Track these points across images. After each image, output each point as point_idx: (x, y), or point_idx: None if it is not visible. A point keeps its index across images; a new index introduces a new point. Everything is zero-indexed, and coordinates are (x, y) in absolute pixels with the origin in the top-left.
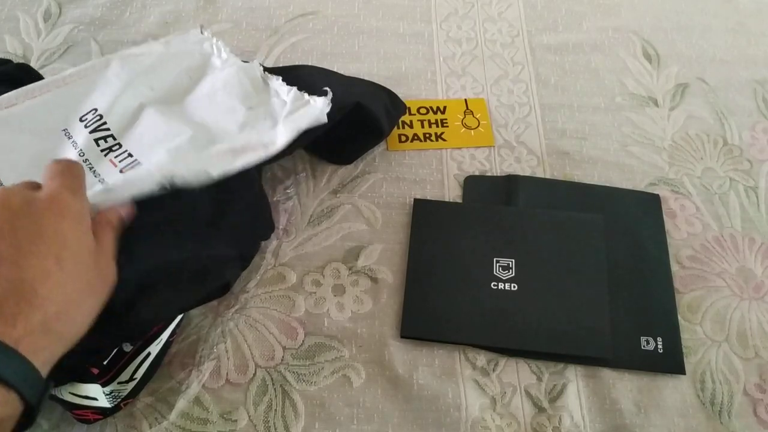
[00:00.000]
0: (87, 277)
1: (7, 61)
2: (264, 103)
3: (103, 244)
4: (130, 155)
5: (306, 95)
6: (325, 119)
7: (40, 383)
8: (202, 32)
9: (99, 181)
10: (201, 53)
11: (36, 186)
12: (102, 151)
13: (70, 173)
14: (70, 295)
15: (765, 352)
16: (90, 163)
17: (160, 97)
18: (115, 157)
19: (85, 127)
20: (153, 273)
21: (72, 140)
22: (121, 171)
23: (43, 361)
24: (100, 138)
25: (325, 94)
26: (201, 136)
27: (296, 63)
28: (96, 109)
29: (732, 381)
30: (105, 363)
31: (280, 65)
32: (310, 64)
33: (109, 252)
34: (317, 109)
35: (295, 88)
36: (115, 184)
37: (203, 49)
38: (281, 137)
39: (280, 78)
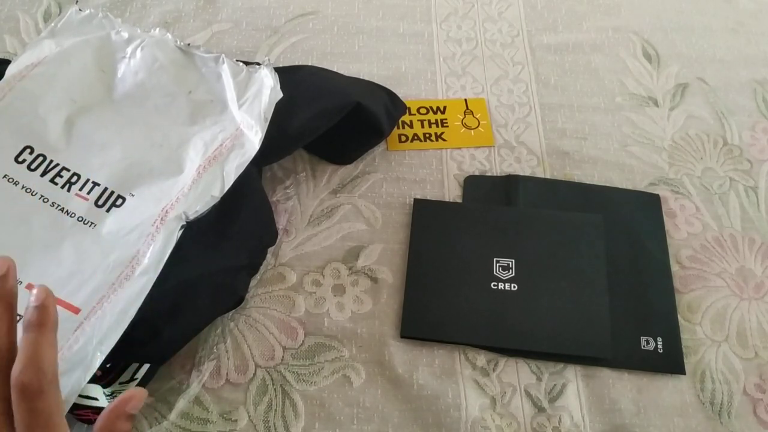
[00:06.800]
0: None
1: (7, 62)
2: (201, 82)
3: None
4: (95, 183)
5: (240, 63)
6: (280, 94)
7: None
8: (80, 9)
9: (78, 219)
10: (97, 36)
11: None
12: (63, 187)
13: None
14: None
15: (765, 352)
16: (59, 205)
17: (86, 105)
18: (80, 189)
19: (30, 170)
20: (173, 294)
21: (20, 185)
22: (97, 204)
23: None
24: (55, 176)
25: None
26: (154, 137)
27: (296, 63)
28: (32, 148)
29: (732, 381)
30: (108, 365)
31: (280, 65)
32: (310, 64)
33: None
34: (269, 85)
35: (223, 54)
36: (110, 231)
37: (96, 30)
38: (254, 135)
39: (200, 45)
